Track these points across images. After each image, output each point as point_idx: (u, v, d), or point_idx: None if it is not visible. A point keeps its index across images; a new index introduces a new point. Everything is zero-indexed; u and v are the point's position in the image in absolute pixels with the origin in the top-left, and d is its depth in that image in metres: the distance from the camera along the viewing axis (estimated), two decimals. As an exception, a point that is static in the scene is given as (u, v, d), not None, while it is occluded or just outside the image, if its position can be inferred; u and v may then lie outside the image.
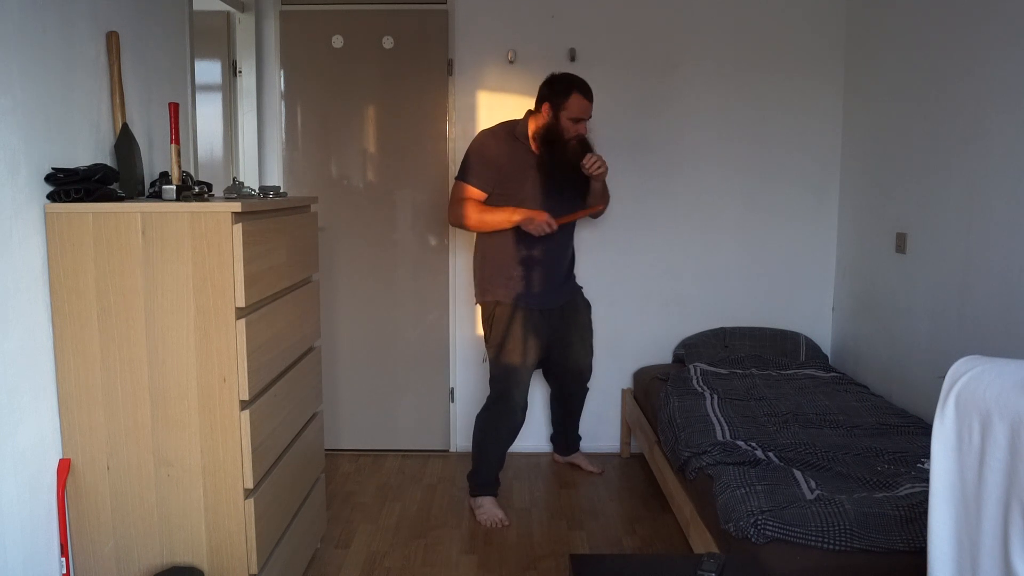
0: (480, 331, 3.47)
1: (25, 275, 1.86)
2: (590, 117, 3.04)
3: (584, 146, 3.05)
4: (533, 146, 3.05)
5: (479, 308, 3.27)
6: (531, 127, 3.05)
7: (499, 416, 3.16)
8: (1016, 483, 1.33)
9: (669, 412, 2.98)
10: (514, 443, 3.17)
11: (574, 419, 3.66)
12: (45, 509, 1.94)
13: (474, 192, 3.06)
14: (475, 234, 3.21)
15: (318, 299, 2.72)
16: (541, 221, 2.96)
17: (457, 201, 3.08)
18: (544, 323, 3.18)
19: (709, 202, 3.78)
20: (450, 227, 3.73)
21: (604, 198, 3.22)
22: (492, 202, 3.07)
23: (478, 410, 3.24)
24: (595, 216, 3.33)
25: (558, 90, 2.99)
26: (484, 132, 3.18)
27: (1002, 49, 2.56)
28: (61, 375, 1.96)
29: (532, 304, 3.12)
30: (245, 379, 1.97)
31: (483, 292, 3.17)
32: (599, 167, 2.99)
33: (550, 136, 3.00)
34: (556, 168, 3.02)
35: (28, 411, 1.87)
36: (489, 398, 3.20)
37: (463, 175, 3.09)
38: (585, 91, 3.00)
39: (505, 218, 3.02)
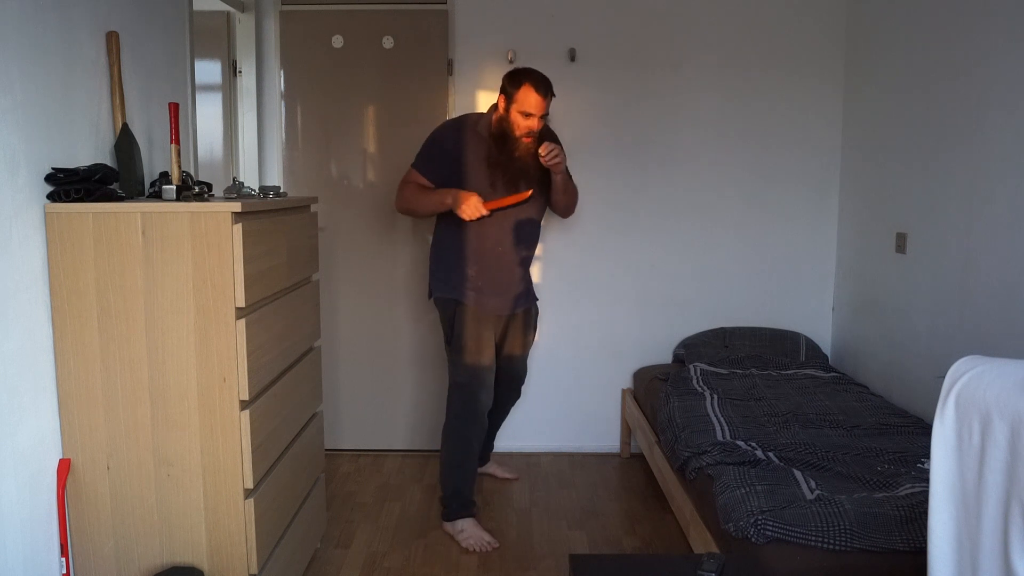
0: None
1: (25, 275, 1.86)
2: (544, 114, 2.84)
3: (544, 141, 2.86)
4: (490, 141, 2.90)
5: (435, 304, 3.10)
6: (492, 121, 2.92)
7: (468, 424, 2.99)
8: (1016, 483, 1.33)
9: (669, 412, 2.98)
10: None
11: (496, 428, 3.47)
12: (45, 509, 1.94)
13: (421, 179, 2.97)
14: (434, 225, 3.10)
15: (318, 299, 2.72)
16: (471, 203, 2.81)
17: (402, 183, 3.02)
18: (497, 328, 3.09)
19: (709, 202, 3.78)
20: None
21: (568, 192, 3.06)
22: None
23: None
24: (564, 212, 3.14)
25: (509, 83, 2.83)
26: (447, 122, 3.12)
27: (1002, 48, 2.56)
28: (61, 375, 1.96)
29: (487, 310, 3.00)
30: (245, 379, 1.98)
31: (441, 288, 3.02)
32: (555, 156, 2.80)
33: (501, 130, 2.85)
34: (506, 163, 2.86)
35: (28, 411, 1.87)
36: (454, 407, 3.01)
37: (415, 161, 3.01)
38: (539, 86, 2.79)
39: (438, 200, 2.90)
